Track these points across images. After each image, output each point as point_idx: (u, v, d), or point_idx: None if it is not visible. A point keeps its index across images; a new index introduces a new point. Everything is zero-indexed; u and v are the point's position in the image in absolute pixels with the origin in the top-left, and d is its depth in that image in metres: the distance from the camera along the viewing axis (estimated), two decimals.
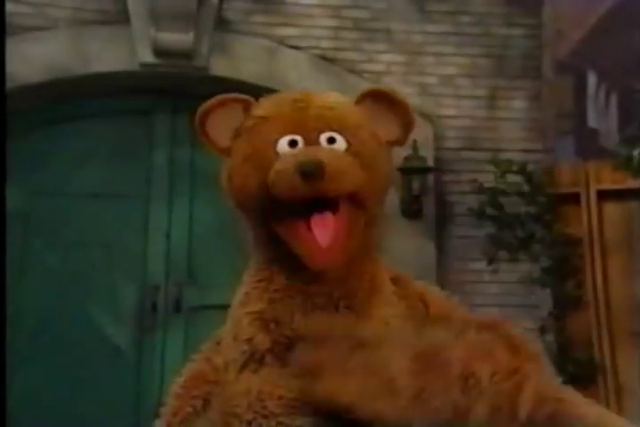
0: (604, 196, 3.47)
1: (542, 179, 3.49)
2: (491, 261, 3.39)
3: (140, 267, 3.42)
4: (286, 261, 1.14)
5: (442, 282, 3.31)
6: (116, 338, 3.36)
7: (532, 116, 3.64)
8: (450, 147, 3.53)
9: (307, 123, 1.15)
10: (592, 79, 9.39)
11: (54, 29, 3.31)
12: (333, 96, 1.24)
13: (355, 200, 1.13)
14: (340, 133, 1.15)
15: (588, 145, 8.15)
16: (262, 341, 1.11)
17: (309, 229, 1.10)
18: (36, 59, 3.22)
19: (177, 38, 3.29)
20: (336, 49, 3.54)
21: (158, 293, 3.38)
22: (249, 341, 1.12)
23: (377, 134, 1.20)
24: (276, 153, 1.13)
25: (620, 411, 3.28)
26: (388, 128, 1.22)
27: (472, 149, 3.51)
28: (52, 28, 3.31)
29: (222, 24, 3.44)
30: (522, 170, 3.45)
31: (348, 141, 1.15)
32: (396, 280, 1.25)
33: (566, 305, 3.43)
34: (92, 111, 3.54)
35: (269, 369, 1.09)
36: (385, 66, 3.57)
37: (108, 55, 3.34)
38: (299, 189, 1.06)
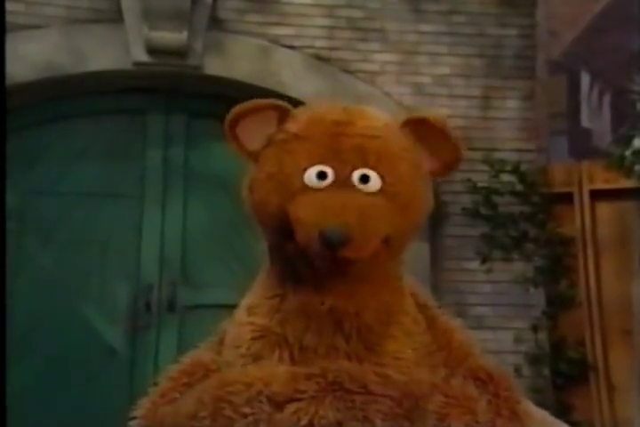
0: (596, 195, 3.48)
1: (536, 178, 3.50)
2: (484, 260, 3.40)
3: (133, 266, 3.41)
4: (301, 284, 1.08)
5: (436, 281, 3.32)
6: (110, 337, 3.35)
7: (526, 115, 3.65)
8: None
9: (342, 154, 1.05)
10: (585, 79, 9.42)
11: (47, 28, 3.30)
12: (377, 120, 1.12)
13: (383, 241, 1.05)
14: (377, 170, 1.05)
15: (582, 145, 8.18)
16: (264, 360, 1.07)
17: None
18: (28, 57, 3.21)
19: (171, 37, 3.29)
20: (330, 48, 3.54)
21: (152, 292, 3.37)
22: (249, 355, 1.08)
23: (418, 165, 1.11)
24: (303, 183, 1.05)
25: (612, 409, 3.30)
26: (433, 157, 1.12)
27: (466, 149, 3.52)
28: (44, 26, 3.30)
29: (216, 23, 3.43)
30: (515, 169, 3.46)
31: (383, 180, 1.05)
32: (422, 308, 1.18)
33: (559, 304, 3.44)
34: (86, 110, 3.52)
35: (272, 364, 1.05)
36: (379, 65, 3.57)
37: (102, 54, 3.33)
38: (319, 253, 1.00)
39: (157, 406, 1.13)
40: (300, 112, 1.12)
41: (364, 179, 1.05)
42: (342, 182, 1.04)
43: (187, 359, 1.19)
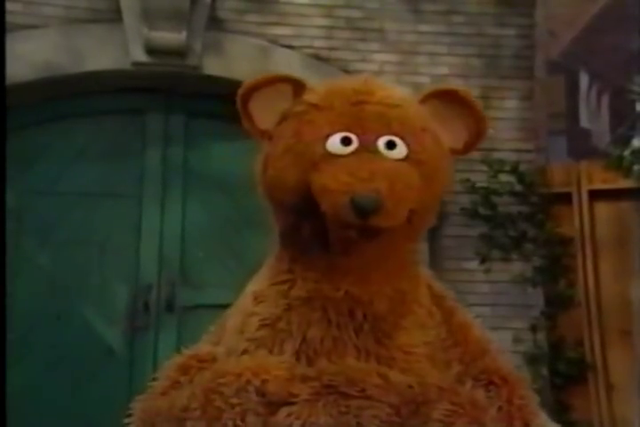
0: (595, 195, 3.49)
1: (534, 178, 3.50)
2: (483, 260, 3.40)
3: (132, 266, 3.41)
4: (314, 262, 1.04)
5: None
6: (109, 338, 3.35)
7: (525, 115, 3.65)
8: None
9: (365, 121, 1.01)
10: (584, 79, 9.43)
11: (46, 28, 3.30)
12: (398, 91, 1.10)
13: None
14: (401, 137, 1.02)
15: (580, 145, 8.19)
16: (267, 350, 1.04)
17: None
18: (27, 57, 3.20)
19: (170, 37, 3.28)
20: (329, 48, 3.54)
21: (151, 292, 3.37)
22: (253, 340, 1.06)
23: (441, 140, 1.07)
24: (326, 150, 1.00)
25: (610, 409, 3.30)
26: (454, 134, 1.09)
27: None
28: (43, 26, 3.29)
29: (215, 23, 3.43)
30: (514, 170, 3.46)
31: (408, 147, 1.01)
32: (439, 300, 1.14)
33: (558, 304, 3.45)
34: (85, 110, 3.52)
35: (265, 355, 1.03)
36: (378, 65, 3.57)
37: (101, 54, 3.33)
38: (350, 222, 0.95)
39: (153, 400, 1.12)
40: (317, 85, 1.10)
41: (390, 145, 1.01)
42: (368, 148, 1.00)
43: (184, 354, 1.17)
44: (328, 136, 1.01)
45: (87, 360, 3.29)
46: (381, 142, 1.01)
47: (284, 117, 1.07)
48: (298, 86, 1.08)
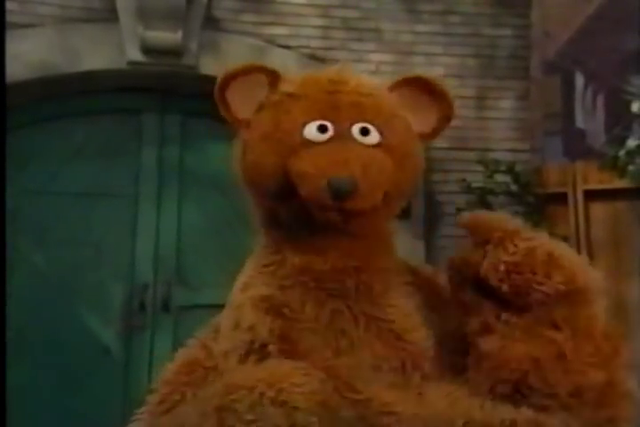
0: (590, 196, 3.49)
1: (530, 179, 3.51)
2: None
3: (128, 266, 3.41)
4: (299, 245, 1.07)
5: None
6: (104, 338, 3.34)
7: (520, 116, 3.66)
8: (438, 146, 3.54)
9: (340, 109, 1.06)
10: (579, 80, 9.45)
11: (41, 27, 3.29)
12: (369, 81, 1.16)
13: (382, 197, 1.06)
14: (374, 124, 1.07)
15: (576, 145, 8.19)
16: (267, 327, 1.02)
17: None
18: (22, 56, 3.19)
19: (165, 37, 3.28)
20: (325, 48, 3.54)
21: (146, 292, 3.37)
22: (251, 328, 1.04)
23: (411, 126, 1.13)
24: (303, 137, 1.05)
25: None
26: (422, 119, 1.13)
27: (460, 149, 3.53)
28: (38, 25, 3.29)
29: (211, 23, 3.43)
30: (510, 170, 3.46)
31: (381, 134, 1.07)
32: (414, 272, 1.19)
33: None
34: (80, 110, 3.51)
35: (276, 363, 1.00)
36: (374, 65, 3.57)
37: (96, 53, 3.32)
38: (327, 205, 1.00)
39: (157, 417, 1.08)
40: (292, 76, 1.13)
41: (364, 132, 1.06)
42: (343, 135, 1.05)
43: (179, 359, 1.15)
44: (305, 124, 1.05)
45: (83, 360, 3.28)
46: (355, 129, 1.06)
47: (260, 107, 1.10)
48: (273, 76, 1.12)
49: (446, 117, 1.15)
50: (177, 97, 3.57)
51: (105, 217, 3.44)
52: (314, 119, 1.05)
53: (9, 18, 3.16)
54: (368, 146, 1.06)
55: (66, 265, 3.37)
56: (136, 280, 3.39)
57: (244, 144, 1.11)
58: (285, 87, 1.10)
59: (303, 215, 1.05)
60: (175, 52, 3.32)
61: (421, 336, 1.04)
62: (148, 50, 3.30)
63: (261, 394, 0.94)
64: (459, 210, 3.45)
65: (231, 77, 1.10)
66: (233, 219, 3.39)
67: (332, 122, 1.05)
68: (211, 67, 3.41)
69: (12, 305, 3.23)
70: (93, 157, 3.49)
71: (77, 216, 3.42)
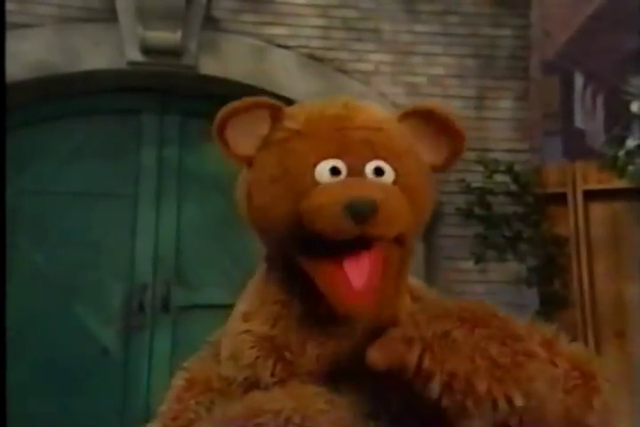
0: (590, 196, 3.50)
1: (530, 179, 3.51)
2: (478, 260, 3.41)
3: (127, 266, 3.40)
4: (307, 291, 1.00)
5: (430, 281, 3.32)
6: (103, 338, 3.34)
7: (520, 116, 3.66)
8: None
9: (351, 148, 0.99)
10: (579, 80, 9.45)
11: (40, 27, 3.29)
12: (377, 113, 1.08)
13: (395, 238, 0.99)
14: (388, 162, 1.00)
15: (575, 145, 8.21)
16: (269, 371, 1.00)
17: (341, 268, 0.96)
18: (21, 56, 3.19)
19: (165, 37, 3.28)
20: (325, 48, 3.54)
21: (146, 292, 3.36)
22: (252, 366, 1.02)
23: (422, 160, 1.07)
24: (315, 180, 0.98)
25: None
26: (433, 151, 1.08)
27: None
28: (37, 25, 3.28)
29: (211, 23, 3.43)
30: (509, 170, 3.46)
31: (395, 172, 1.01)
32: (416, 300, 1.13)
33: (553, 304, 3.45)
34: (79, 110, 3.51)
35: (299, 387, 0.97)
36: (374, 65, 3.58)
37: (96, 53, 3.32)
38: (346, 229, 0.92)
39: None
40: (295, 110, 1.07)
41: (379, 171, 1.00)
42: (357, 175, 0.99)
43: (188, 375, 1.12)
44: (315, 165, 0.99)
45: (82, 360, 3.28)
46: (369, 169, 1.00)
47: (264, 144, 1.04)
48: (275, 111, 1.05)
49: (458, 152, 1.09)
50: (176, 97, 3.57)
51: (104, 217, 3.44)
52: (323, 159, 0.99)
53: (8, 18, 3.16)
54: (386, 185, 1.00)
55: (65, 265, 3.37)
56: (135, 280, 3.39)
57: (248, 186, 1.04)
58: (290, 124, 1.03)
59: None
60: (175, 53, 3.32)
61: None
62: (147, 50, 3.30)
63: (287, 419, 0.91)
64: (458, 210, 3.46)
65: (229, 116, 1.03)
66: (232, 219, 3.38)
67: (344, 161, 0.99)
68: (210, 67, 3.41)
69: (11, 305, 3.24)
70: (93, 157, 3.49)
71: (77, 216, 3.42)
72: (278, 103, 1.07)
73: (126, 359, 3.32)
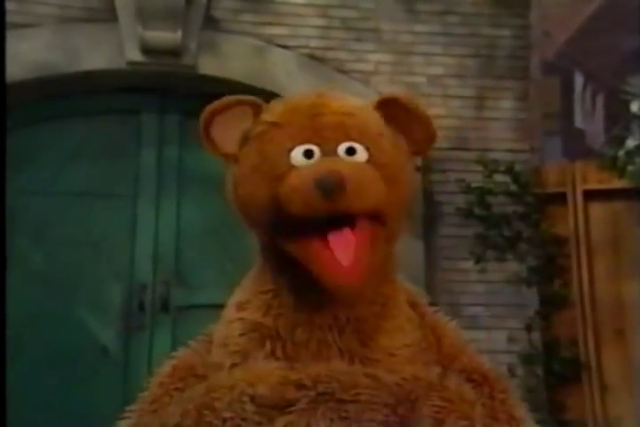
0: (590, 196, 3.50)
1: (529, 179, 3.51)
2: (478, 260, 3.41)
3: (127, 266, 3.40)
4: (296, 278, 1.05)
5: (430, 281, 3.32)
6: (103, 338, 3.34)
7: (520, 116, 3.66)
8: (438, 146, 3.53)
9: (324, 131, 1.04)
10: (579, 80, 9.46)
11: (40, 27, 3.29)
12: (352, 101, 1.13)
13: (375, 216, 1.02)
14: (361, 143, 1.04)
15: (575, 145, 8.21)
16: (257, 358, 1.04)
17: (327, 246, 0.99)
18: (21, 56, 3.19)
19: (165, 37, 3.28)
20: (325, 48, 3.54)
21: (145, 292, 3.36)
22: (240, 353, 1.05)
23: (399, 143, 1.10)
24: (290, 164, 1.02)
25: (604, 409, 3.31)
26: (408, 138, 1.12)
27: (460, 149, 3.53)
28: (37, 25, 3.29)
29: (211, 23, 3.43)
30: (509, 170, 3.47)
31: (369, 152, 1.04)
32: (413, 305, 1.15)
33: (552, 304, 3.45)
34: (79, 110, 3.51)
35: (258, 364, 1.03)
36: (373, 65, 3.58)
37: (95, 53, 3.32)
38: (317, 205, 0.96)
39: (145, 415, 1.10)
40: (274, 104, 1.12)
41: (350, 151, 1.04)
42: (330, 156, 1.03)
43: (175, 362, 1.16)
44: (290, 150, 1.03)
45: (82, 360, 3.28)
46: (342, 149, 1.04)
47: (245, 139, 1.09)
48: (256, 107, 1.10)
49: (430, 137, 1.14)
50: (176, 97, 3.57)
51: (104, 217, 3.44)
52: (298, 144, 1.03)
53: (8, 18, 3.16)
54: (357, 162, 1.04)
55: (65, 265, 3.37)
56: (135, 280, 3.39)
57: (234, 180, 1.10)
58: (267, 116, 1.08)
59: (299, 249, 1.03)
60: (174, 52, 3.33)
61: (404, 377, 1.01)
62: (147, 50, 3.30)
63: (241, 392, 0.97)
64: (458, 210, 3.46)
65: (213, 114, 1.09)
66: (232, 219, 3.39)
67: (318, 145, 1.03)
68: (210, 67, 3.41)
69: (11, 305, 3.23)
70: (93, 157, 3.49)
71: (77, 216, 3.42)
72: (258, 100, 1.11)
73: (126, 359, 3.32)
